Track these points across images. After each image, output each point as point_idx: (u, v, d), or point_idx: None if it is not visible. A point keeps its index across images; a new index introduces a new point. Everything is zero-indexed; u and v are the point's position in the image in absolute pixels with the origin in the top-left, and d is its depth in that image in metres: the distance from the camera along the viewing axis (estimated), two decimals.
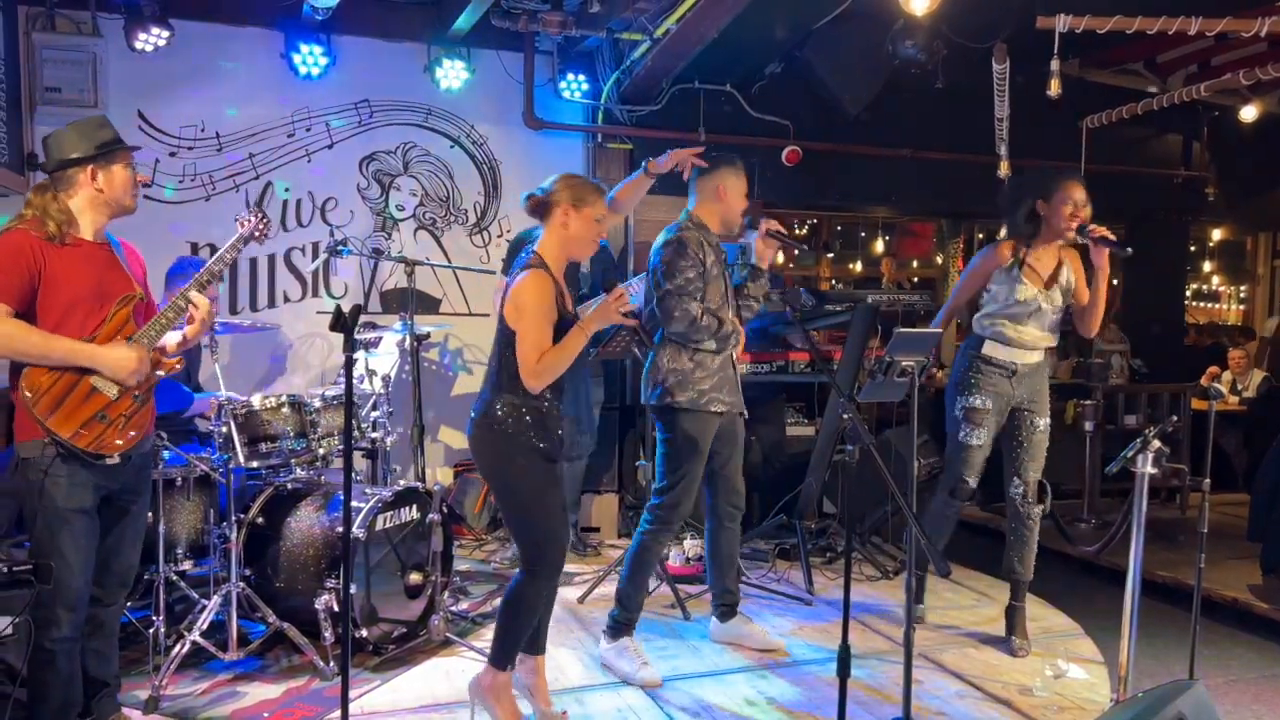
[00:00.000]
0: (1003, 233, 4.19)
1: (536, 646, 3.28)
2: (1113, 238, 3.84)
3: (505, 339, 3.05)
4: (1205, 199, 8.31)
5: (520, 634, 3.14)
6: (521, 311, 2.99)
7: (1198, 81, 6.84)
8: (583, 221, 3.09)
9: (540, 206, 3.13)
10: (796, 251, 3.76)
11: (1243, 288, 10.49)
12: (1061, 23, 5.04)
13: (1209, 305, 11.16)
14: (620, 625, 3.85)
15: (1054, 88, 5.16)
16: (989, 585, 5.03)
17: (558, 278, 3.10)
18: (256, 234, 3.28)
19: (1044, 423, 4.12)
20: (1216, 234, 9.87)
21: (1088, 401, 6.35)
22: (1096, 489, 6.42)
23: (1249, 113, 7.14)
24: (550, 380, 3.01)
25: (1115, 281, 8.63)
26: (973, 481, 4.11)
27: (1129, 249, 4.00)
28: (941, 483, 4.24)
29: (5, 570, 2.56)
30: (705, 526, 4.10)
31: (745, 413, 4.01)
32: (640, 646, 3.84)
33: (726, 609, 4.13)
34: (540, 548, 3.07)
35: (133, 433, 2.93)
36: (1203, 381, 7.26)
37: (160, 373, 3.03)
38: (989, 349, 4.05)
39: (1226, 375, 7.62)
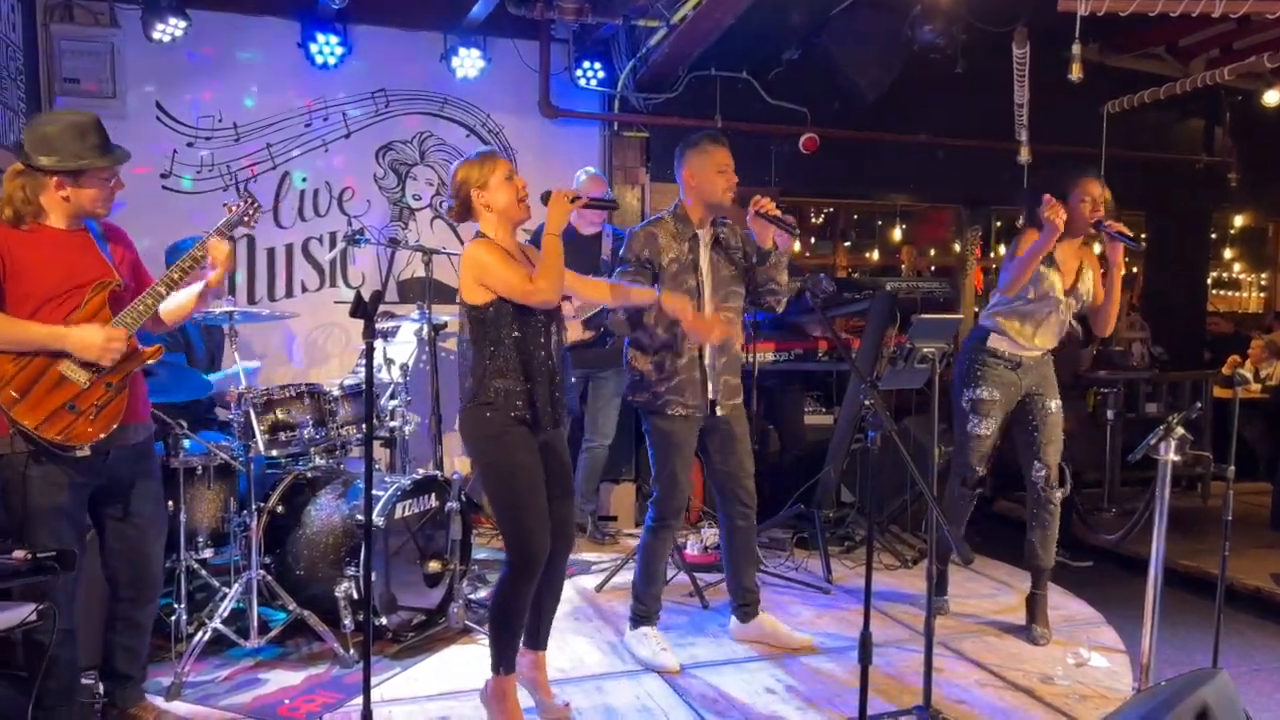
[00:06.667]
0: (1020, 221, 4.19)
1: (537, 642, 3.26)
2: (1129, 233, 3.85)
3: (473, 321, 3.01)
4: (1227, 185, 8.21)
5: (510, 635, 3.11)
6: (483, 270, 2.95)
7: (1220, 65, 6.75)
8: (495, 191, 3.02)
9: (460, 211, 3.09)
10: (795, 234, 3.65)
11: (1264, 275, 10.37)
12: (1083, 6, 4.96)
13: (1230, 293, 11.03)
14: (639, 617, 3.87)
15: (1075, 72, 5.10)
16: (1009, 573, 5.01)
17: (510, 249, 3.05)
18: (246, 219, 3.12)
19: (1055, 404, 4.11)
20: (1238, 220, 9.74)
21: (1108, 390, 6.30)
22: (1117, 477, 6.37)
23: (1272, 97, 7.03)
24: (556, 287, 2.95)
25: (1135, 269, 8.57)
26: (981, 470, 4.19)
27: (1141, 244, 4.00)
28: (953, 472, 4.27)
29: (30, 557, 2.56)
30: (719, 527, 4.00)
31: (719, 411, 3.73)
32: (659, 634, 3.85)
33: (747, 609, 3.98)
34: (521, 540, 3.01)
35: (106, 423, 2.80)
36: (1224, 370, 7.19)
37: (138, 362, 2.89)
38: (994, 342, 4.08)
39: (1248, 364, 7.54)
